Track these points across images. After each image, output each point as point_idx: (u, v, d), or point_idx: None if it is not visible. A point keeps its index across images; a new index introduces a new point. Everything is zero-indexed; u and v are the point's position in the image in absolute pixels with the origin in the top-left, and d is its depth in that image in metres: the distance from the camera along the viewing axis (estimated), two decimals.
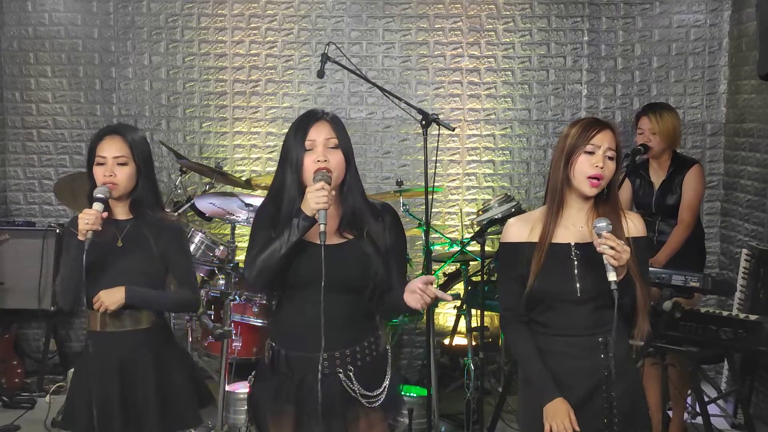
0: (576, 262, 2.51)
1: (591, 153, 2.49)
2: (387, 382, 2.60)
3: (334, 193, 2.46)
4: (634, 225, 2.58)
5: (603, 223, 2.41)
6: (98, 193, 2.81)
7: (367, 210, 2.57)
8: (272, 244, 2.46)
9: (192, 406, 3.06)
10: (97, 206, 2.78)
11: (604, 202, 2.55)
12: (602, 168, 2.47)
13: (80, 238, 2.75)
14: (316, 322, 2.41)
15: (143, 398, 2.90)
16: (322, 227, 2.38)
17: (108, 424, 2.86)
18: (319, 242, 2.39)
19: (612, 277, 2.37)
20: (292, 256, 2.47)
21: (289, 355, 2.55)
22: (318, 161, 2.46)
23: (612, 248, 2.36)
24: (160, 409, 2.91)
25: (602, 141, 2.49)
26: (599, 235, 2.40)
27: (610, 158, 2.50)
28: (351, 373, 2.53)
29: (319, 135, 2.49)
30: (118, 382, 2.87)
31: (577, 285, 2.49)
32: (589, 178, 2.48)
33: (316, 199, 2.38)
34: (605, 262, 2.38)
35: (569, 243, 2.53)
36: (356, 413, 2.55)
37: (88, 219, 2.73)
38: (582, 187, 2.50)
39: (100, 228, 2.76)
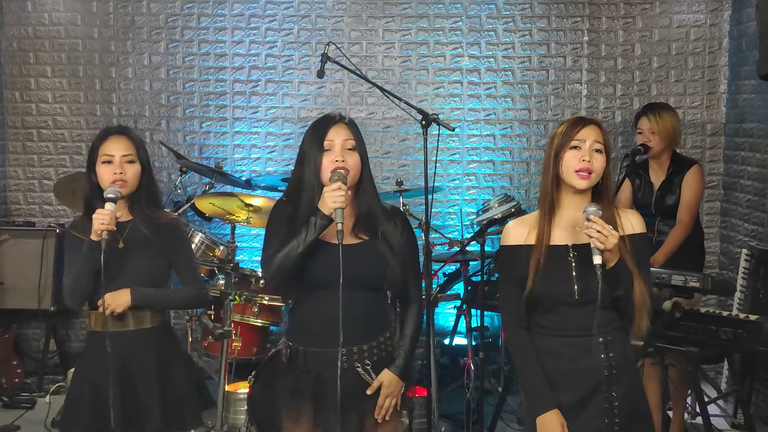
0: (574, 264, 2.51)
1: (577, 148, 2.50)
2: None
3: (350, 192, 2.56)
4: (631, 223, 2.57)
5: (592, 208, 2.42)
6: (109, 194, 2.80)
7: (381, 211, 2.66)
8: (290, 243, 2.52)
9: (193, 408, 3.05)
10: (110, 206, 2.77)
11: (600, 200, 2.54)
12: (589, 161, 2.48)
13: (94, 238, 2.74)
14: (334, 319, 2.48)
15: (145, 398, 2.89)
16: (339, 226, 2.46)
17: (109, 424, 2.83)
18: (335, 242, 2.47)
19: (597, 260, 2.37)
20: (309, 255, 2.54)
21: (307, 351, 2.63)
22: (336, 161, 2.55)
23: (598, 231, 2.37)
24: (162, 410, 2.90)
25: (587, 136, 2.50)
26: (587, 219, 2.41)
27: (598, 151, 2.50)
28: (369, 367, 2.62)
29: (338, 136, 2.58)
30: (120, 382, 2.85)
31: (575, 287, 2.49)
32: (578, 171, 2.48)
33: (333, 198, 2.47)
34: (591, 246, 2.39)
35: (567, 245, 2.53)
36: (373, 405, 2.64)
37: (104, 219, 2.73)
38: (573, 182, 2.50)
39: (115, 228, 2.77)
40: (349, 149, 2.58)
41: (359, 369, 2.60)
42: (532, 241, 2.54)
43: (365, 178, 2.64)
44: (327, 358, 2.56)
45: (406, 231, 2.69)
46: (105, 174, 2.87)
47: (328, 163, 2.55)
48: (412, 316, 2.74)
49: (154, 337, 2.95)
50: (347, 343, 2.53)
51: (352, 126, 2.64)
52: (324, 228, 2.51)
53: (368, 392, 2.62)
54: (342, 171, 2.53)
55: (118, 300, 2.85)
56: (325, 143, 2.56)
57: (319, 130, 2.60)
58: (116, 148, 2.89)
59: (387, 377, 2.64)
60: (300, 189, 2.60)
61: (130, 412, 2.87)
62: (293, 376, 2.65)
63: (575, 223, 2.53)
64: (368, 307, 2.61)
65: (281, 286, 2.66)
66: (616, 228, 2.46)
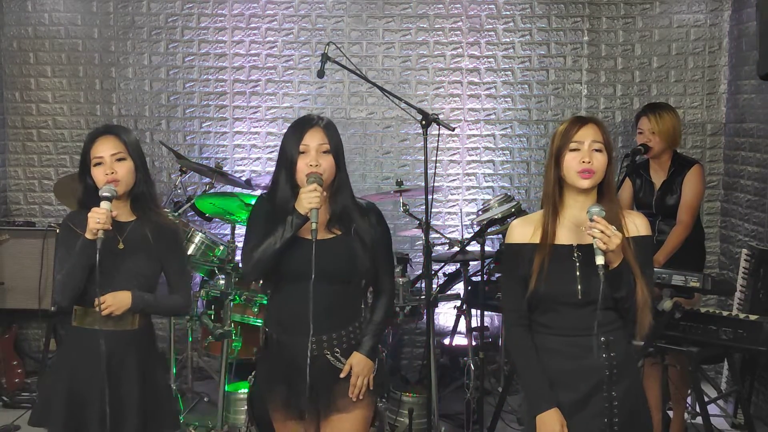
0: (578, 264, 2.51)
1: (576, 150, 2.51)
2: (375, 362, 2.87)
3: (325, 194, 2.72)
4: (635, 225, 2.57)
5: (596, 208, 2.44)
6: (104, 192, 2.79)
7: (355, 209, 2.82)
8: (267, 239, 2.70)
9: (171, 410, 3.06)
10: (106, 205, 2.76)
11: (602, 199, 2.55)
12: (589, 162, 2.49)
13: (89, 237, 2.73)
14: (305, 310, 2.68)
15: (126, 399, 2.87)
16: (313, 225, 2.64)
17: (87, 422, 2.83)
18: (309, 237, 2.65)
19: (600, 260, 2.38)
20: (286, 250, 2.71)
21: (280, 339, 2.81)
22: (310, 165, 2.70)
23: (602, 232, 2.38)
24: (143, 411, 2.89)
25: (585, 136, 2.51)
26: (591, 219, 2.41)
27: (598, 150, 2.51)
28: (338, 354, 2.79)
29: (313, 140, 2.73)
30: (101, 381, 2.81)
31: (579, 287, 2.49)
32: (579, 172, 2.49)
33: (309, 199, 2.65)
34: (594, 246, 2.39)
35: (571, 244, 2.53)
36: (344, 389, 2.80)
37: (99, 218, 2.71)
38: (575, 182, 2.51)
39: (111, 227, 2.76)
40: (324, 152, 2.73)
41: (329, 356, 2.77)
42: (536, 239, 2.55)
43: (340, 178, 2.79)
44: (298, 346, 2.73)
45: (380, 225, 2.87)
46: (98, 176, 2.87)
47: (303, 166, 2.71)
48: (382, 304, 2.90)
49: (137, 339, 2.94)
50: (318, 332, 2.72)
51: (328, 129, 2.77)
52: (300, 227, 2.69)
53: (341, 375, 2.78)
54: (319, 175, 2.69)
55: (120, 302, 2.83)
56: (301, 147, 2.72)
57: (296, 132, 2.75)
58: (104, 149, 2.88)
59: (356, 358, 2.80)
60: (278, 188, 2.77)
61: (110, 412, 2.82)
62: (270, 362, 2.84)
63: (579, 222, 2.53)
64: (338, 299, 2.78)
65: (259, 279, 2.84)
66: (620, 229, 2.46)
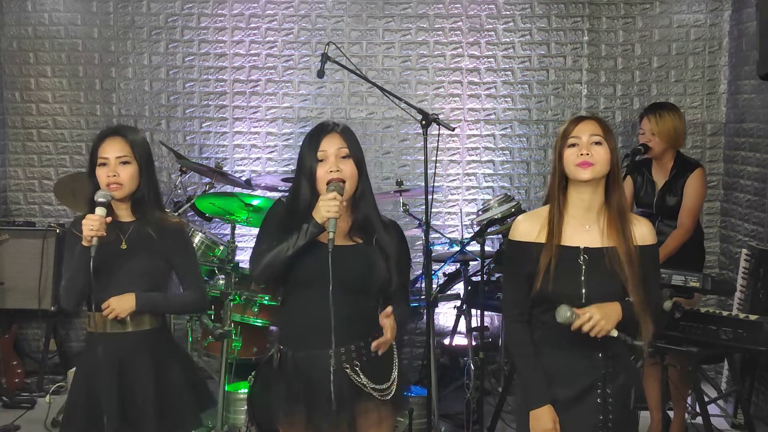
0: (584, 268, 2.51)
1: (575, 145, 2.52)
2: (395, 375, 2.71)
3: (345, 203, 2.59)
4: (641, 233, 2.57)
5: (562, 318, 2.43)
6: (99, 197, 2.79)
7: (378, 220, 2.69)
8: (280, 245, 2.57)
9: (191, 410, 3.04)
10: (100, 211, 2.76)
11: (609, 193, 2.55)
12: (588, 154, 2.49)
13: (85, 244, 2.74)
14: (322, 321, 2.52)
15: (141, 400, 2.88)
16: (330, 235, 2.50)
17: (106, 426, 2.84)
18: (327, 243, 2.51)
19: (614, 333, 2.44)
20: (299, 257, 2.58)
21: (296, 355, 2.65)
22: (330, 171, 2.59)
23: (592, 328, 2.42)
24: (159, 412, 2.90)
25: (583, 131, 2.52)
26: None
27: (597, 143, 2.51)
28: (357, 368, 2.62)
29: (331, 146, 2.61)
30: (117, 384, 2.85)
31: (583, 290, 2.49)
32: (578, 164, 2.50)
33: (327, 207, 2.52)
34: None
35: (578, 247, 2.53)
36: (366, 407, 2.64)
37: (93, 225, 2.72)
38: (576, 175, 2.51)
39: (105, 233, 2.76)
40: (344, 157, 2.61)
41: (348, 370, 2.61)
42: (542, 239, 2.54)
43: (363, 184, 2.67)
44: (315, 360, 2.59)
45: (402, 244, 2.74)
46: (101, 177, 2.87)
47: (323, 174, 2.60)
48: (398, 306, 2.66)
49: (151, 339, 2.94)
50: (335, 344, 2.55)
51: (345, 134, 2.66)
52: (315, 236, 2.56)
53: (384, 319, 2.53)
54: (340, 183, 2.58)
55: (123, 305, 2.84)
56: (319, 154, 2.61)
57: (313, 140, 2.64)
58: (110, 150, 2.88)
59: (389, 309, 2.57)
60: (297, 196, 2.66)
61: (127, 414, 2.86)
62: (285, 380, 2.67)
63: (586, 221, 2.54)
64: (354, 309, 2.61)
65: (268, 284, 2.72)
66: (626, 230, 2.49)
